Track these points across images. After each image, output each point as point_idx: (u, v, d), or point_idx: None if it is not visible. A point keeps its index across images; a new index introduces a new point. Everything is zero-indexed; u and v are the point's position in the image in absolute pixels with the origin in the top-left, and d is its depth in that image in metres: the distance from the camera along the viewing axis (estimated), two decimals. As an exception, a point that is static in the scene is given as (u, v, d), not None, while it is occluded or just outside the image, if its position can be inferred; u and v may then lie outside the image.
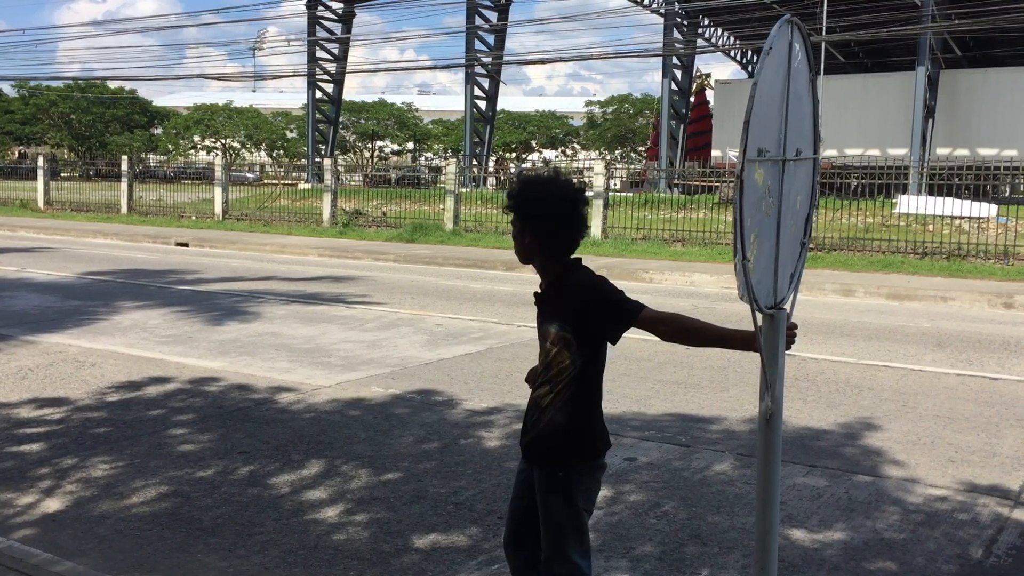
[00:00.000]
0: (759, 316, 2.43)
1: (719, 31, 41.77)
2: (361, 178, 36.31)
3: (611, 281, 2.78)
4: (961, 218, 17.43)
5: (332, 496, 4.60)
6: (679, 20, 35.60)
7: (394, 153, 74.15)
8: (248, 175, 40.42)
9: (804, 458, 5.27)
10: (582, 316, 2.73)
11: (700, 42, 39.34)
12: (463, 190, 22.68)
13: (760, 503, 2.58)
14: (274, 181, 34.43)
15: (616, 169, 30.23)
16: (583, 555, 2.81)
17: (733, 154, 30.64)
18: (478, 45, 36.58)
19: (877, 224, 17.86)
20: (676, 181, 26.03)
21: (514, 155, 69.27)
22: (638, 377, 7.29)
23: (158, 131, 72.95)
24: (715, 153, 34.71)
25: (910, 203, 18.18)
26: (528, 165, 55.48)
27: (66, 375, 7.14)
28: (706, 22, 39.93)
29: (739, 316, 9.97)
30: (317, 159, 34.62)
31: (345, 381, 7.09)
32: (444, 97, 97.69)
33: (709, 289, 13.33)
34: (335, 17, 39.86)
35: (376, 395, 6.66)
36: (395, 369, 7.55)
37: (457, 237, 20.11)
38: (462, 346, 8.53)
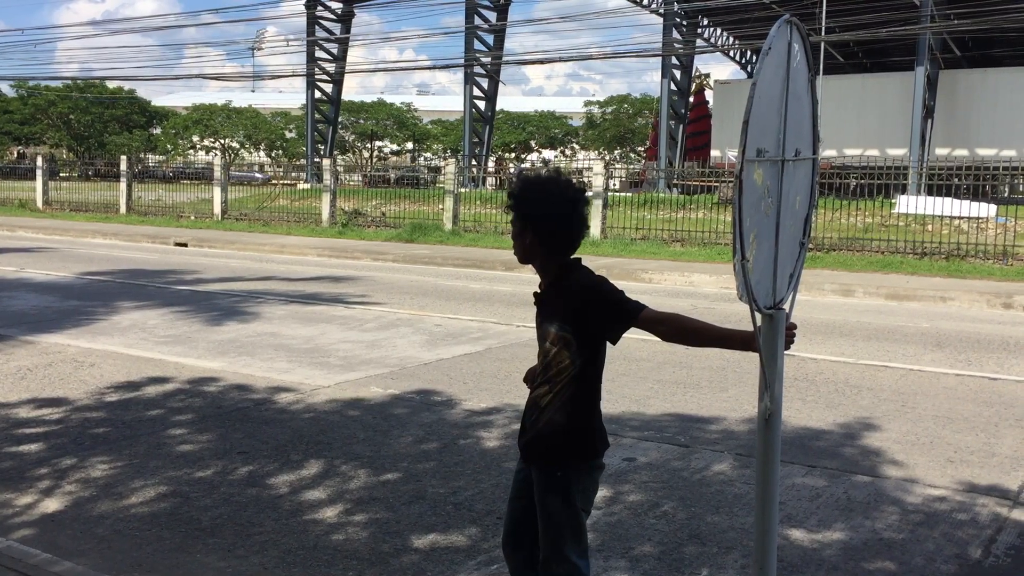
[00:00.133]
0: (758, 316, 2.43)
1: (718, 31, 41.80)
2: (360, 178, 36.35)
3: (610, 281, 2.78)
4: (960, 218, 17.44)
5: (331, 496, 4.60)
6: (678, 20, 35.62)
7: (393, 153, 74.16)
8: (257, 175, 40.38)
9: (803, 458, 5.27)
10: (582, 316, 2.73)
11: (699, 42, 39.37)
12: (462, 190, 22.68)
13: (759, 503, 2.58)
14: (284, 181, 34.38)
15: (615, 169, 30.20)
16: (581, 555, 2.81)
17: (732, 154, 30.65)
18: (477, 45, 36.61)
19: (876, 224, 17.86)
20: (675, 181, 26.06)
21: (513, 155, 69.27)
22: (637, 377, 7.29)
23: (157, 131, 72.92)
24: (714, 153, 34.74)
25: (909, 203, 18.20)
26: (527, 165, 55.49)
27: (65, 375, 7.13)
28: (705, 22, 39.96)
29: (738, 316, 9.97)
30: (316, 159, 34.62)
31: (344, 381, 7.09)
32: (443, 97, 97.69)
33: (708, 289, 13.33)
34: (334, 17, 39.87)
35: (375, 395, 6.66)
36: (394, 369, 7.55)
37: (456, 237, 20.11)
38: (461, 346, 8.53)
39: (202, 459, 5.14)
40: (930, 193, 18.87)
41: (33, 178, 30.19)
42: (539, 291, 2.86)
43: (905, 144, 29.33)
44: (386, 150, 74.43)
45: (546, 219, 2.75)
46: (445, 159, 41.50)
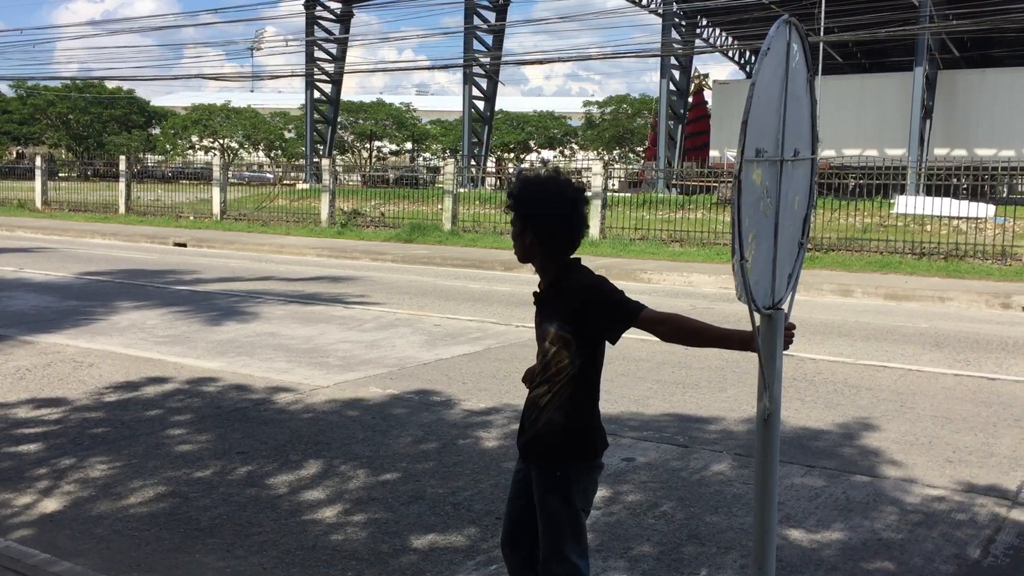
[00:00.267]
0: (757, 316, 2.43)
1: (717, 31, 41.81)
2: (359, 178, 36.32)
3: (610, 281, 2.78)
4: (959, 218, 17.45)
5: (330, 496, 4.60)
6: (677, 20, 35.64)
7: (392, 153, 74.18)
8: (268, 175, 40.29)
9: (802, 458, 5.28)
10: (582, 316, 2.73)
11: (698, 42, 39.38)
12: (461, 190, 22.68)
13: (758, 503, 2.58)
14: (286, 181, 34.33)
15: (614, 169, 30.19)
16: (581, 555, 2.81)
17: (731, 154, 30.65)
18: (476, 45, 36.60)
19: (875, 224, 17.87)
20: (674, 181, 26.06)
21: (512, 155, 69.28)
22: (636, 377, 7.29)
23: (156, 131, 72.93)
24: (713, 153, 34.74)
25: (908, 203, 18.20)
26: (527, 165, 55.47)
27: (64, 375, 7.13)
28: (704, 22, 39.97)
29: (737, 316, 9.98)
30: (315, 159, 34.61)
31: (343, 381, 7.09)
32: (442, 97, 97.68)
33: (707, 289, 13.33)
34: (333, 17, 39.86)
35: (374, 395, 6.66)
36: (393, 369, 7.55)
37: (455, 237, 20.11)
38: (460, 346, 8.53)
39: (201, 459, 5.14)
40: (929, 193, 18.88)
41: (32, 178, 30.18)
42: (539, 291, 2.86)
43: (904, 144, 29.34)
44: (385, 150, 74.45)
45: (546, 219, 2.75)
46: (444, 159, 41.50)
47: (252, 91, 79.15)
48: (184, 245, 19.91)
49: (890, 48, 38.04)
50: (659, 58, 35.17)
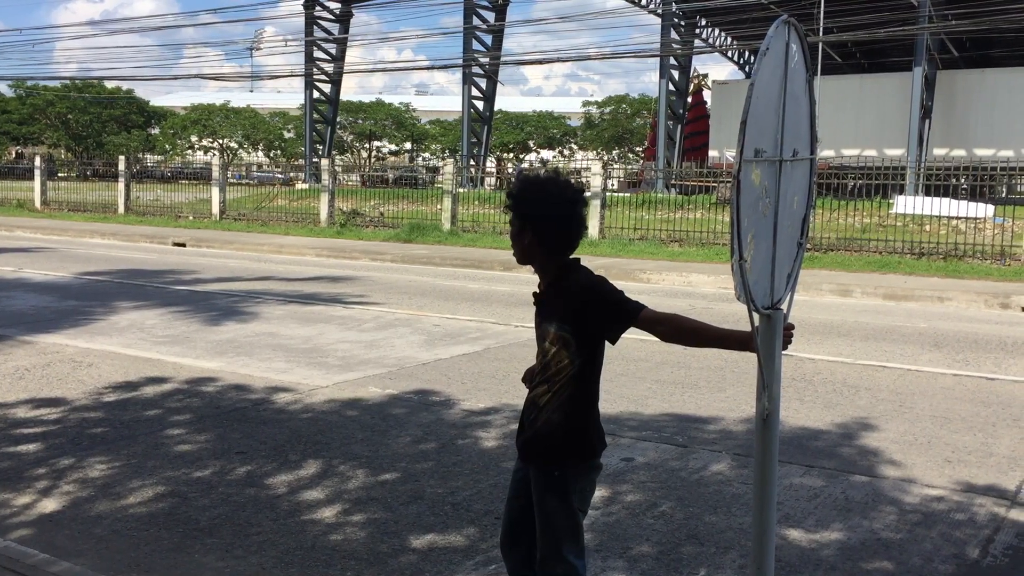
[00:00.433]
0: (756, 316, 2.44)
1: (716, 31, 41.84)
2: (358, 178, 36.30)
3: (610, 281, 2.78)
4: (958, 218, 17.46)
5: (329, 496, 4.60)
6: (676, 20, 35.64)
7: (392, 153, 74.18)
8: (278, 175, 40.21)
9: (801, 458, 5.28)
10: (581, 316, 2.73)
11: (697, 43, 39.40)
12: (460, 190, 22.69)
13: (757, 503, 2.59)
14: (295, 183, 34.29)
15: (613, 169, 30.18)
16: (578, 555, 2.82)
17: (730, 154, 30.67)
18: (476, 45, 36.62)
19: (874, 224, 17.88)
20: (673, 181, 26.07)
21: (512, 155, 69.29)
22: (635, 377, 7.29)
23: (155, 131, 72.92)
24: (712, 153, 34.75)
25: (907, 203, 18.21)
26: (527, 165, 55.46)
27: (63, 375, 7.13)
28: (703, 23, 40.00)
29: (736, 316, 9.98)
30: (314, 159, 34.60)
31: (342, 381, 7.09)
32: (441, 97, 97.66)
33: (706, 289, 13.34)
34: (332, 17, 39.86)
35: (373, 395, 6.66)
36: (392, 369, 7.55)
37: (454, 237, 20.11)
38: (459, 346, 8.53)
39: (200, 459, 5.14)
40: (928, 193, 18.89)
41: (31, 178, 30.16)
42: (538, 291, 2.87)
43: (903, 144, 29.35)
44: (384, 150, 74.46)
45: (545, 219, 2.75)
46: (443, 159, 41.50)
47: (251, 91, 79.12)
48: (183, 245, 19.91)
49: (889, 48, 38.06)
50: (658, 58, 35.18)
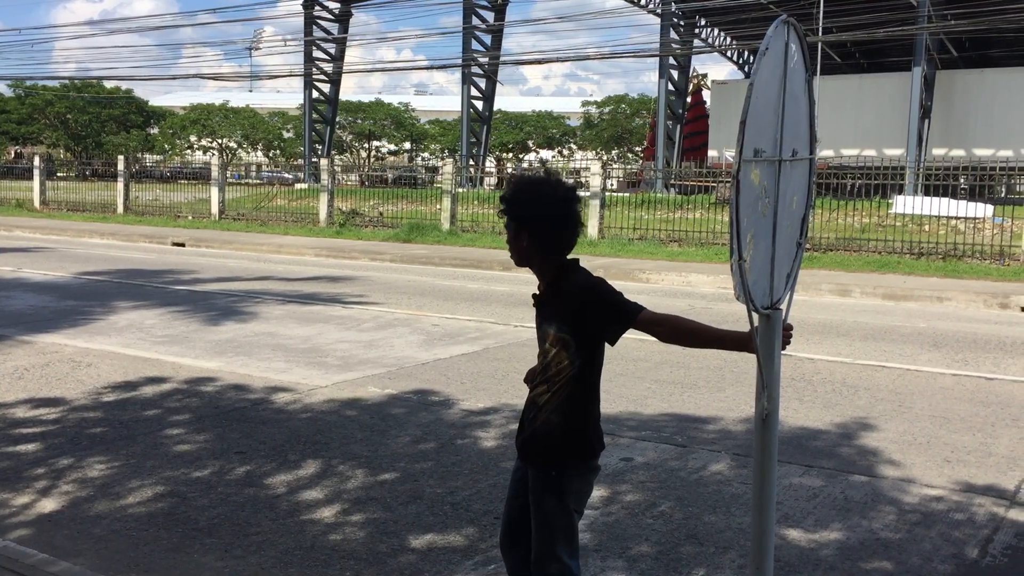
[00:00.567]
0: (755, 316, 2.44)
1: (716, 31, 41.82)
2: (358, 178, 36.31)
3: (608, 282, 2.78)
4: (957, 218, 17.46)
5: (328, 496, 4.60)
6: (676, 20, 35.64)
7: (391, 153, 74.15)
8: (287, 175, 40.17)
9: (800, 458, 5.28)
10: (581, 317, 2.74)
11: (697, 42, 39.38)
12: (460, 190, 22.69)
13: (756, 503, 2.59)
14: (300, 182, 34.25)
15: (613, 169, 30.20)
16: (572, 555, 2.82)
17: (730, 154, 30.67)
18: (475, 45, 36.60)
19: (873, 224, 17.88)
20: (673, 181, 26.08)
21: (511, 155, 69.29)
22: (635, 377, 7.29)
23: (154, 131, 72.88)
24: (712, 153, 34.74)
25: (906, 203, 18.21)
26: (525, 165, 55.48)
27: (62, 375, 7.13)
28: (703, 22, 39.98)
29: (735, 316, 9.98)
30: (314, 159, 34.59)
31: (342, 381, 7.09)
32: (441, 97, 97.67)
33: (705, 289, 13.34)
34: (331, 17, 39.83)
35: (373, 395, 6.66)
36: (392, 369, 7.55)
37: (454, 237, 20.11)
38: (459, 346, 8.53)
39: (199, 459, 5.14)
40: (927, 193, 18.89)
41: (30, 178, 30.15)
42: (538, 292, 2.87)
43: (902, 144, 29.35)
44: (384, 150, 74.42)
45: (540, 220, 2.75)
46: (442, 159, 41.48)
47: (250, 91, 79.17)
48: (182, 245, 19.90)
49: (888, 48, 38.05)
50: (657, 58, 35.18)
